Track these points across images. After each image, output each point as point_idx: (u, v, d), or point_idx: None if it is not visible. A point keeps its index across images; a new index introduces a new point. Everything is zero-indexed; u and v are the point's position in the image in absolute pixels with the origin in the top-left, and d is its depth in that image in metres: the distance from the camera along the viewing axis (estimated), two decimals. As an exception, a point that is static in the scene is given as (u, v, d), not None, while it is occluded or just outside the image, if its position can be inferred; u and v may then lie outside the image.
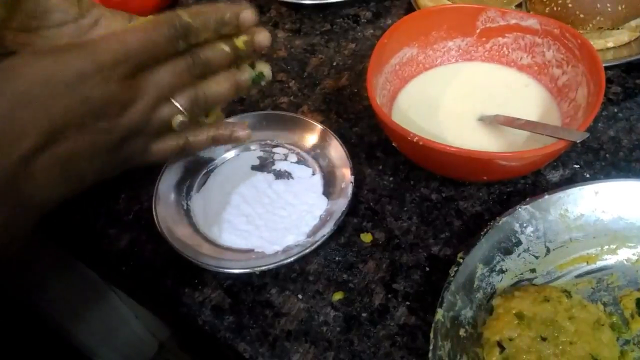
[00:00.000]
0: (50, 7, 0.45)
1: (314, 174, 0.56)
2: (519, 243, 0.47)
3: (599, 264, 0.48)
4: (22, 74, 0.34)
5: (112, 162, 0.39)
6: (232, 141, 0.45)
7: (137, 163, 0.41)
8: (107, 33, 0.37)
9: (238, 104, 0.66)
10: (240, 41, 0.41)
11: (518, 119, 0.52)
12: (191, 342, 0.69)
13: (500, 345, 0.40)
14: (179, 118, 0.39)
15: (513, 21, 0.58)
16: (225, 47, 0.40)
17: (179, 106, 0.39)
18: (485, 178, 0.52)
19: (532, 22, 0.57)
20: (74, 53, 0.35)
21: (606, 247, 0.48)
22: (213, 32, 0.39)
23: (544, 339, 0.40)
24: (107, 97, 0.35)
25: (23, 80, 0.33)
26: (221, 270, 0.49)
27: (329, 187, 0.55)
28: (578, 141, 0.45)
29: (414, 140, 0.46)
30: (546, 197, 0.48)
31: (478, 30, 0.60)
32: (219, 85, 0.42)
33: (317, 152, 0.58)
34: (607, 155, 0.56)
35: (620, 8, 0.61)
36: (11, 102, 0.33)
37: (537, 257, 0.47)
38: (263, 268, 0.48)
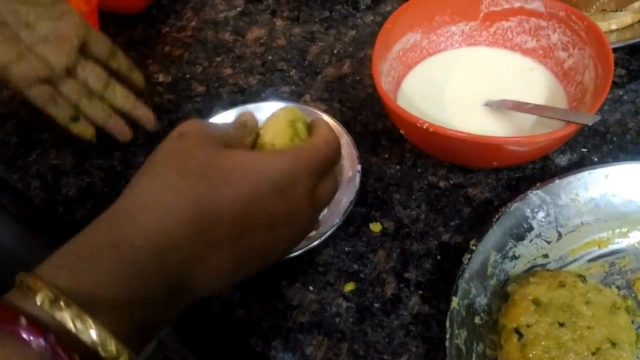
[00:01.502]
0: None
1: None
2: (530, 228, 0.47)
3: (611, 247, 0.48)
4: (249, 173, 0.34)
5: (274, 259, 0.38)
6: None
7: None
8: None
9: (239, 95, 0.65)
10: None
11: (526, 103, 0.52)
12: (193, 337, 0.68)
13: (517, 332, 0.40)
14: None
15: (517, 4, 0.57)
16: None
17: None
18: (495, 164, 0.52)
19: (536, 4, 0.56)
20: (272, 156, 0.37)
21: (617, 230, 0.48)
22: None
23: (561, 325, 0.40)
24: (297, 199, 0.36)
25: (252, 178, 0.34)
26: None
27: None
28: (590, 124, 0.44)
29: (424, 127, 0.46)
30: (556, 181, 0.48)
31: (482, 14, 0.59)
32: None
33: (322, 142, 0.57)
34: (614, 138, 0.56)
35: (623, -11, 0.61)
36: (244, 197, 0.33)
37: (549, 243, 0.47)
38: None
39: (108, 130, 0.57)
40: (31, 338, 0.25)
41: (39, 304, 0.26)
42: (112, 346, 0.27)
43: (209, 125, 0.38)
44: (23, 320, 0.26)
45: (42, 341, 0.25)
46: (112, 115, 0.57)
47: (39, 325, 0.26)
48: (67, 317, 0.26)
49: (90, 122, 0.57)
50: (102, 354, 0.27)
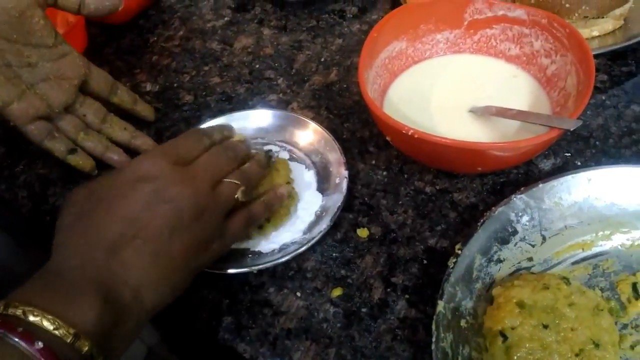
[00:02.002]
0: (33, 29, 0.52)
1: (307, 170, 0.56)
2: (515, 232, 0.47)
3: (595, 250, 0.48)
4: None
5: (194, 243, 0.42)
6: (280, 201, 0.51)
7: (218, 250, 0.45)
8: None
9: (227, 103, 0.65)
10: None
11: (510, 109, 0.52)
12: (183, 345, 0.68)
13: (502, 334, 0.40)
14: (239, 190, 0.46)
15: (500, 12, 0.58)
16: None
17: (234, 181, 0.46)
18: (479, 169, 0.52)
19: (519, 12, 0.57)
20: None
21: (601, 233, 0.48)
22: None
23: (545, 327, 0.40)
24: (169, 177, 0.42)
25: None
26: (217, 271, 0.48)
27: (323, 183, 0.55)
28: (572, 129, 0.45)
29: (409, 134, 0.46)
30: (540, 185, 0.48)
31: (466, 22, 0.60)
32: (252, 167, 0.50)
33: (309, 149, 0.57)
34: (597, 142, 0.57)
35: (604, -3, 0.62)
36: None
37: (533, 246, 0.48)
38: (260, 267, 0.48)
39: (107, 161, 0.58)
40: (23, 344, 0.31)
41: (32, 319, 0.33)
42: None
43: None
44: (20, 329, 0.32)
45: (29, 347, 0.31)
46: (110, 147, 0.58)
47: (31, 334, 0.32)
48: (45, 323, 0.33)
49: (88, 154, 0.58)
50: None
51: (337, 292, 0.48)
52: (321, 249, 0.51)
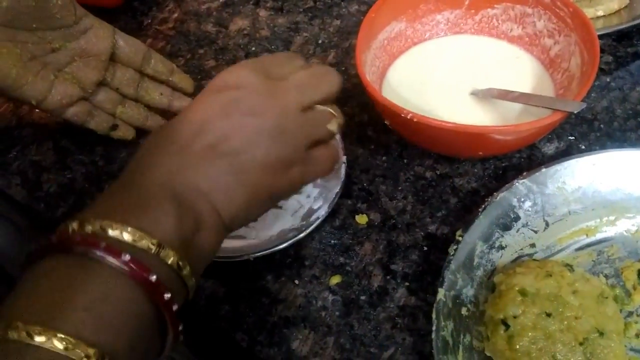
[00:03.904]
0: (52, 13, 0.49)
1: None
2: (517, 218, 0.46)
3: (599, 236, 0.47)
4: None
5: (274, 161, 0.38)
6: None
7: (298, 176, 0.40)
8: None
9: (222, 87, 0.64)
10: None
11: (512, 91, 0.51)
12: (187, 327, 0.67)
13: (504, 323, 0.40)
14: (332, 123, 0.41)
15: (502, -9, 0.56)
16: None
17: (330, 109, 0.41)
18: (481, 153, 0.51)
19: (522, -9, 0.55)
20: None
21: (605, 218, 0.47)
22: None
23: (548, 315, 0.39)
24: (258, 90, 0.38)
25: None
26: (215, 258, 0.47)
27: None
28: (576, 112, 0.44)
29: (408, 118, 0.45)
30: (543, 170, 0.47)
31: (467, 2, 0.58)
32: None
33: (307, 133, 0.56)
34: (602, 125, 0.55)
35: (610, -26, 0.60)
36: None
37: (536, 232, 0.47)
38: (258, 254, 0.47)
39: (149, 129, 0.57)
40: (110, 259, 0.29)
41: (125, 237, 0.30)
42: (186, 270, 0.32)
43: None
44: (103, 244, 0.29)
45: (117, 260, 0.29)
46: (149, 116, 0.57)
47: (116, 248, 0.30)
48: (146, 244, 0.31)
49: (129, 124, 0.57)
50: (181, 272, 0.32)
51: (335, 279, 0.47)
52: (319, 236, 0.50)
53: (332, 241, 0.50)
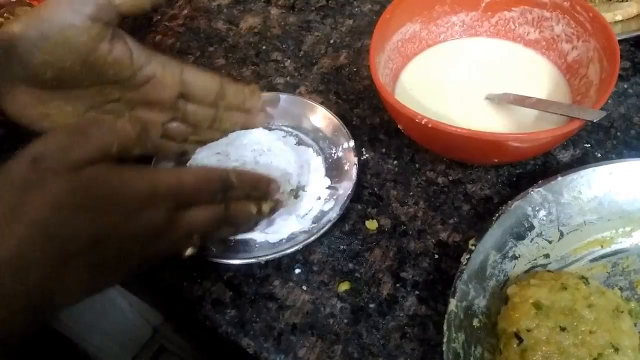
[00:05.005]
0: (104, 69, 0.44)
1: (315, 156, 0.54)
2: (531, 227, 0.45)
3: (614, 247, 0.46)
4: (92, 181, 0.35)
5: (132, 268, 0.39)
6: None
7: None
8: (166, 169, 0.42)
9: (232, 86, 0.63)
10: (266, 206, 0.46)
11: (529, 97, 0.50)
12: (189, 327, 0.67)
13: (517, 336, 0.39)
14: (190, 251, 0.42)
15: (520, -6, 0.55)
16: (253, 209, 0.44)
17: (196, 243, 0.42)
18: (496, 160, 0.50)
19: (540, -6, 0.54)
20: (135, 174, 0.37)
21: (621, 229, 0.46)
22: (246, 192, 0.44)
23: (563, 329, 0.38)
24: (152, 221, 0.37)
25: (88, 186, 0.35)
26: (223, 260, 0.47)
27: (332, 170, 0.52)
28: (595, 120, 0.43)
29: (422, 123, 0.44)
30: (559, 179, 0.46)
31: (483, 4, 0.57)
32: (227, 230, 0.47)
33: (318, 134, 0.55)
34: (619, 133, 0.54)
35: (629, -22, 0.59)
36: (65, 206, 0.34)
37: (550, 242, 0.46)
38: (268, 257, 0.46)
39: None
40: None
41: None
42: None
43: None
44: None
45: None
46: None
47: None
48: None
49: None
50: None
51: (344, 286, 0.47)
52: (328, 241, 0.49)
53: (341, 247, 0.49)
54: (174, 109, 0.49)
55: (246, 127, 0.53)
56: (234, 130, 0.53)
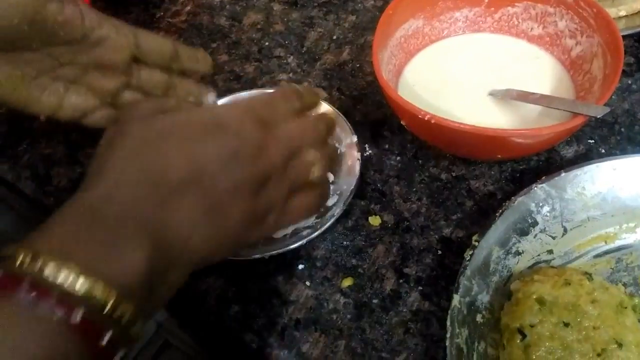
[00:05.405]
0: (54, 30, 0.43)
1: (318, 153, 0.54)
2: (535, 223, 0.45)
3: (618, 243, 0.46)
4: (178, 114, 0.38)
5: (252, 211, 0.38)
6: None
7: (273, 224, 0.41)
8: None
9: (235, 82, 0.63)
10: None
11: (532, 93, 0.50)
12: (193, 322, 0.67)
13: (521, 332, 0.39)
14: (316, 169, 0.42)
15: (523, -11, 0.55)
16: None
17: (313, 160, 0.42)
18: (499, 156, 0.50)
19: (544, -11, 0.54)
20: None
21: (625, 225, 0.46)
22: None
23: (566, 325, 0.38)
24: (249, 138, 0.37)
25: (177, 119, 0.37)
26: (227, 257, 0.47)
27: (335, 165, 0.52)
28: (598, 116, 0.43)
29: (425, 119, 0.44)
30: (562, 174, 0.46)
31: (486, 0, 0.57)
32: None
33: (321, 132, 0.55)
34: (622, 129, 0.54)
35: (634, -27, 0.59)
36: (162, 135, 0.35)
37: (554, 238, 0.46)
38: (273, 253, 0.46)
39: None
40: (59, 313, 0.26)
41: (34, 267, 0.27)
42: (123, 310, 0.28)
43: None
44: (54, 294, 0.26)
45: (68, 317, 0.26)
46: None
47: (68, 302, 0.26)
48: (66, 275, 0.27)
49: None
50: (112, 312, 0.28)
51: (347, 282, 0.47)
52: (331, 237, 0.49)
53: (345, 242, 0.49)
54: (127, 74, 0.48)
55: (199, 100, 0.53)
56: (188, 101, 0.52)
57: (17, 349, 0.25)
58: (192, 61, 0.52)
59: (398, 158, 0.54)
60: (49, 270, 0.26)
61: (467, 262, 0.42)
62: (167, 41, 0.50)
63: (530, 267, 0.45)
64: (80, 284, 0.27)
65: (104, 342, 0.27)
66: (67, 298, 0.26)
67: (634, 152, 0.51)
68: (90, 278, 0.27)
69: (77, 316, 0.26)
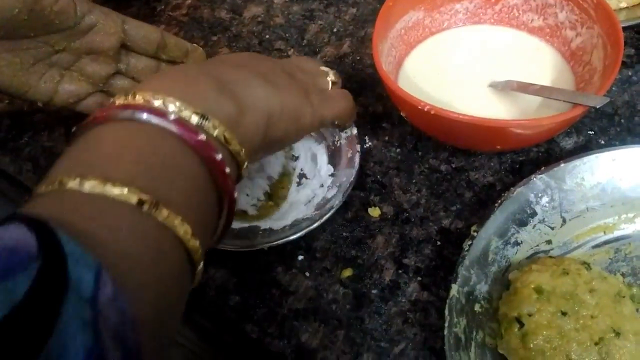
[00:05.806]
0: (49, 19, 0.47)
1: (317, 144, 0.54)
2: (534, 214, 0.45)
3: (617, 233, 0.46)
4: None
5: (294, 82, 0.42)
6: None
7: (317, 104, 0.44)
8: None
9: (235, 75, 0.63)
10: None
11: (532, 84, 0.50)
12: (193, 314, 0.67)
13: (519, 321, 0.39)
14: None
15: (524, -19, 0.55)
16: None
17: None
18: (499, 147, 0.50)
19: (544, -19, 0.54)
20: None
21: (624, 215, 0.46)
22: None
23: (564, 314, 0.39)
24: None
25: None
26: (229, 248, 0.47)
27: (335, 157, 0.53)
28: (598, 106, 0.43)
29: (425, 110, 0.44)
30: (562, 165, 0.46)
31: (487, -9, 0.57)
32: None
33: (320, 123, 0.55)
34: (622, 120, 0.54)
35: (635, -36, 0.59)
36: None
37: (552, 228, 0.46)
38: (273, 244, 0.46)
39: None
40: (156, 120, 0.31)
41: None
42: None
43: None
44: (148, 107, 0.31)
45: (164, 120, 0.31)
46: None
47: (162, 110, 0.31)
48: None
49: None
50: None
51: (347, 272, 0.47)
52: (331, 229, 0.49)
53: (344, 234, 0.49)
54: (117, 60, 0.52)
55: None
56: None
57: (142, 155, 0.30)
58: (180, 49, 0.55)
59: (398, 150, 0.54)
60: (140, 101, 0.32)
61: (466, 252, 0.42)
62: (155, 29, 0.53)
63: (528, 258, 0.45)
64: (171, 106, 0.32)
65: (202, 138, 0.31)
66: (185, 122, 0.31)
67: (633, 142, 0.51)
68: (176, 100, 0.32)
69: (172, 116, 0.31)
